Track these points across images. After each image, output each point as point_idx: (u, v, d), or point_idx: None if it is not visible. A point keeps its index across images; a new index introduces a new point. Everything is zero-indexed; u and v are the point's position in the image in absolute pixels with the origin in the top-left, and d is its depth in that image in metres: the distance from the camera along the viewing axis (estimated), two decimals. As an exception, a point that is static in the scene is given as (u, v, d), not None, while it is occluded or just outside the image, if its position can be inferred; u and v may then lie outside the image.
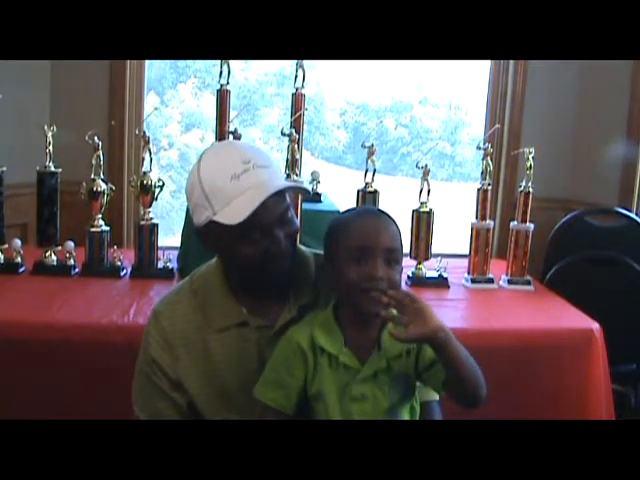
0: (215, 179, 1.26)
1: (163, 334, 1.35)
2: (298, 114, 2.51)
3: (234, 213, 1.23)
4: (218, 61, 2.51)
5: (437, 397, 1.46)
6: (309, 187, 1.34)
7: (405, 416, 1.28)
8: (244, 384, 1.31)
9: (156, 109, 3.67)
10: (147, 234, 2.33)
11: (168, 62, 5.52)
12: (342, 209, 1.38)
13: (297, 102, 2.55)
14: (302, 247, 1.43)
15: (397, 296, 1.19)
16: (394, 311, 1.19)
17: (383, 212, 1.35)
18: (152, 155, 2.34)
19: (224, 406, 1.34)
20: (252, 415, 1.30)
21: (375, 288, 1.21)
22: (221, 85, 2.47)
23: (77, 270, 2.32)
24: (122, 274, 2.33)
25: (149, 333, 1.38)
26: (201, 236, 1.32)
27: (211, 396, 1.34)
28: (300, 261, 1.39)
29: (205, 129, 5.49)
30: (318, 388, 1.26)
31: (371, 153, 2.42)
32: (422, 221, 2.41)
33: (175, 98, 5.70)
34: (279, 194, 1.26)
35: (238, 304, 1.35)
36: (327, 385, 1.25)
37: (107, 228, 2.35)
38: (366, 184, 2.42)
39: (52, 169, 2.30)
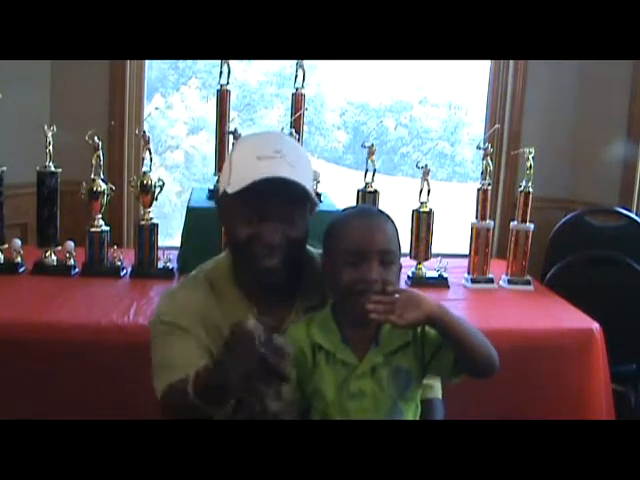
0: (244, 155, 1.33)
1: (177, 307, 1.34)
2: (298, 114, 2.52)
3: (236, 183, 1.28)
4: (219, 62, 2.51)
5: (439, 395, 1.46)
6: (318, 203, 1.37)
7: (408, 413, 1.29)
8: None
9: (157, 109, 3.68)
10: (147, 234, 2.33)
11: (168, 62, 5.52)
12: (342, 209, 1.38)
13: (297, 102, 2.55)
14: (311, 248, 1.43)
15: (385, 300, 1.20)
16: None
17: (379, 211, 1.35)
18: (152, 155, 2.34)
19: None
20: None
21: (370, 290, 1.22)
22: (221, 85, 2.48)
23: (77, 270, 2.32)
24: (122, 274, 2.32)
25: (161, 307, 1.37)
26: (217, 207, 1.40)
27: None
28: (307, 262, 1.39)
29: (211, 132, 5.51)
30: (316, 385, 1.26)
31: (371, 153, 2.42)
32: (422, 221, 2.41)
33: (182, 100, 5.70)
34: (295, 197, 1.28)
35: (249, 304, 1.36)
36: (325, 382, 1.26)
37: (107, 228, 2.35)
38: (366, 184, 2.42)
39: (52, 169, 2.30)
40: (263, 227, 1.28)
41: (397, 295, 1.21)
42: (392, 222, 1.32)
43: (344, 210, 1.39)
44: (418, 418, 1.33)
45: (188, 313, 1.33)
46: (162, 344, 1.32)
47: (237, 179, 1.29)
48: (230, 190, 1.29)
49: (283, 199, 1.28)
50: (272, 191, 1.26)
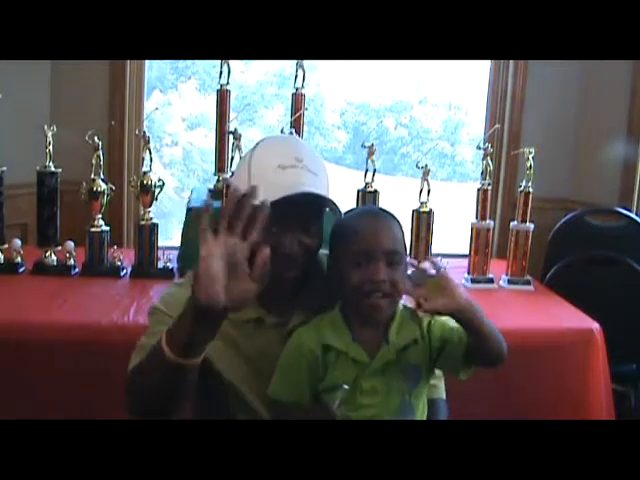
0: (263, 162, 1.30)
1: (174, 298, 1.32)
2: (298, 114, 2.52)
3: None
4: (218, 61, 2.51)
5: (443, 395, 1.47)
6: (335, 210, 1.35)
7: (417, 409, 1.30)
8: (253, 376, 1.33)
9: (156, 109, 3.68)
10: (147, 234, 2.33)
11: (168, 62, 5.52)
12: (342, 209, 1.38)
13: (297, 102, 2.55)
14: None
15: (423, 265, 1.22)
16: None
17: (385, 212, 1.35)
18: (152, 155, 2.34)
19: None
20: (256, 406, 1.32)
21: (377, 291, 1.23)
22: (221, 85, 2.48)
23: (77, 270, 2.32)
24: (122, 274, 2.33)
25: (161, 296, 1.36)
26: None
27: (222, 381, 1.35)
28: (318, 263, 1.39)
29: (210, 128, 5.52)
30: (330, 383, 1.27)
31: (371, 153, 2.42)
32: (422, 221, 2.41)
33: (180, 96, 5.71)
34: (315, 207, 1.28)
35: (255, 301, 1.35)
36: (338, 380, 1.26)
37: (107, 228, 2.35)
38: (366, 184, 2.42)
39: (52, 169, 2.30)
40: (284, 238, 1.27)
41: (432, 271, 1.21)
42: (398, 222, 1.32)
43: (349, 211, 1.39)
44: (426, 414, 1.34)
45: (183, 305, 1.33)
46: (149, 330, 1.32)
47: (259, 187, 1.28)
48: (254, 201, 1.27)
49: (307, 211, 1.27)
50: (298, 205, 1.24)
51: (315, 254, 1.35)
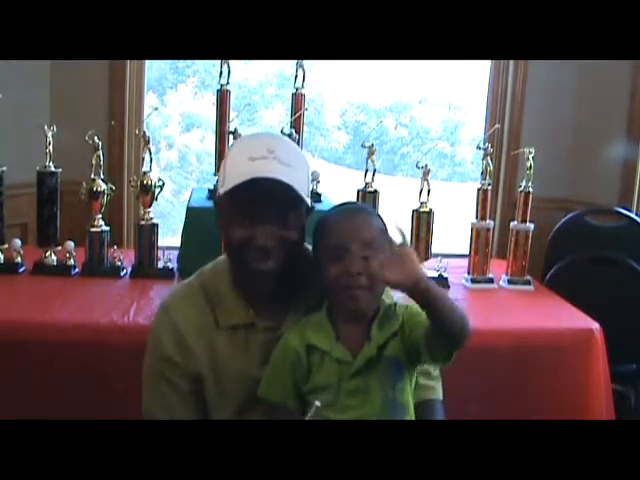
0: (236, 156, 1.33)
1: (175, 328, 1.34)
2: (298, 114, 2.51)
3: (228, 183, 1.28)
4: (218, 61, 2.51)
5: (440, 396, 1.46)
6: (309, 203, 1.34)
7: (407, 408, 1.29)
8: (248, 383, 1.32)
9: (156, 109, 3.67)
10: (147, 234, 2.33)
11: (168, 62, 5.51)
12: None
13: (297, 102, 2.55)
14: (309, 247, 1.43)
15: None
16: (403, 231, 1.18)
17: (363, 207, 1.36)
18: (152, 155, 2.34)
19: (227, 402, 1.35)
20: (252, 413, 1.31)
21: (354, 284, 1.23)
22: (221, 85, 2.48)
23: (77, 270, 2.32)
24: (122, 274, 2.32)
25: (159, 327, 1.37)
26: (214, 208, 1.40)
27: (218, 390, 1.35)
28: (305, 261, 1.39)
29: (205, 129, 5.51)
30: (313, 386, 1.27)
31: (371, 153, 2.42)
32: (422, 221, 2.41)
33: (175, 98, 5.71)
34: (287, 199, 1.27)
35: (246, 305, 1.35)
36: (322, 381, 1.26)
37: (107, 228, 2.35)
38: (366, 184, 2.42)
39: (52, 169, 2.30)
40: (256, 229, 1.27)
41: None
42: (377, 216, 1.32)
43: (329, 210, 1.39)
44: (413, 408, 1.33)
45: (185, 332, 1.34)
46: (158, 387, 1.35)
47: (229, 179, 1.29)
48: (222, 191, 1.29)
49: (275, 200, 1.27)
50: (264, 192, 1.25)
51: (296, 248, 1.34)
